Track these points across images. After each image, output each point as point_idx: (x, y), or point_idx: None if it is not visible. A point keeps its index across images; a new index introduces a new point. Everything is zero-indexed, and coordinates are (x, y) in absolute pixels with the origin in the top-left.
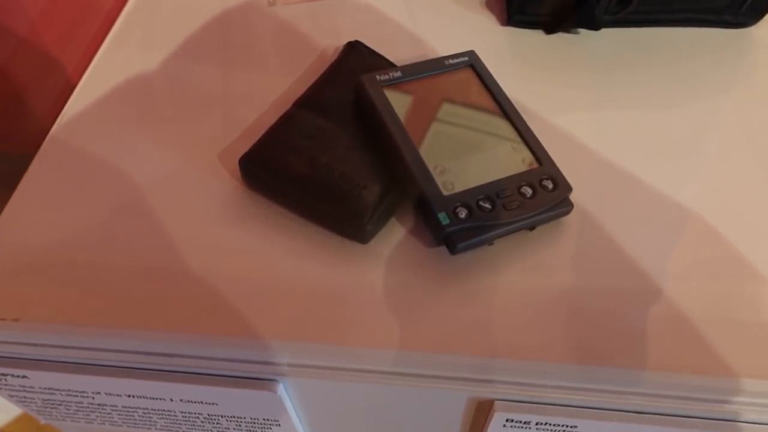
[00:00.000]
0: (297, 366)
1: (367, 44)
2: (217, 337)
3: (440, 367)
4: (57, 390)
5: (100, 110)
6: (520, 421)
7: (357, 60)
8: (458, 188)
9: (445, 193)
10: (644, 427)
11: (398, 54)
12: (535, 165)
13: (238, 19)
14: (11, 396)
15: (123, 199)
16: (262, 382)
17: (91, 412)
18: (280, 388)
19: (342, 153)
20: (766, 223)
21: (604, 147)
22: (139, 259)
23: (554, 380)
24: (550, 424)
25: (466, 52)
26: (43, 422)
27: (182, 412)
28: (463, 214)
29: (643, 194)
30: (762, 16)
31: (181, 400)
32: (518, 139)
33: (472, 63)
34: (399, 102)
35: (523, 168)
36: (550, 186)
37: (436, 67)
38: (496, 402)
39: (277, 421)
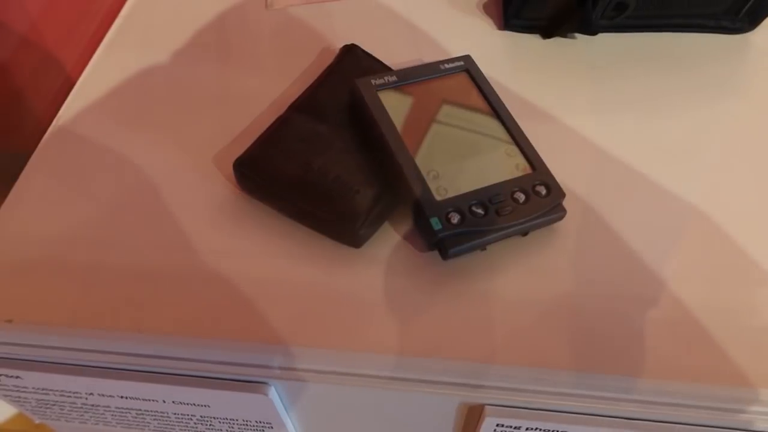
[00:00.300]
0: (288, 369)
1: (364, 47)
2: (208, 339)
3: (431, 372)
4: (50, 390)
5: (97, 111)
6: (511, 426)
7: (353, 63)
8: (451, 193)
9: (438, 198)
10: None
11: (395, 57)
12: (529, 170)
13: (236, 21)
14: (5, 396)
15: (117, 201)
16: (253, 384)
17: (85, 412)
18: (272, 392)
19: (336, 157)
20: (762, 232)
21: (598, 152)
22: (133, 261)
23: (545, 386)
24: (540, 430)
25: (462, 56)
26: (37, 422)
27: (175, 414)
28: (455, 219)
29: (638, 200)
30: (760, 21)
31: (173, 402)
32: (512, 144)
33: (467, 67)
34: (393, 106)
35: (517, 173)
36: (544, 192)
37: (431, 71)
38: (486, 407)
39: (270, 423)
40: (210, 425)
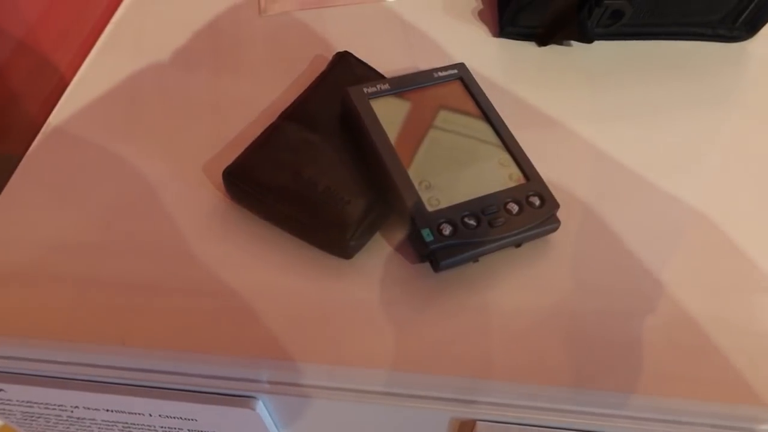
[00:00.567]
0: (277, 384)
1: (358, 55)
2: (195, 353)
3: (422, 387)
4: (35, 403)
5: (87, 118)
6: None
7: (345, 71)
8: (443, 204)
9: (430, 209)
10: None
11: (388, 65)
12: (523, 181)
13: (229, 27)
14: None
15: (105, 210)
16: (241, 399)
17: (71, 425)
18: (260, 406)
19: (326, 166)
20: (760, 242)
21: (594, 161)
22: (119, 273)
23: (537, 401)
24: None
25: (456, 64)
26: None
27: (162, 428)
28: (447, 230)
29: (634, 210)
30: (757, 30)
31: (159, 416)
32: (506, 154)
33: (461, 76)
34: (385, 115)
35: (510, 184)
36: (537, 202)
37: (424, 79)
38: (478, 423)
39: None
40: None
